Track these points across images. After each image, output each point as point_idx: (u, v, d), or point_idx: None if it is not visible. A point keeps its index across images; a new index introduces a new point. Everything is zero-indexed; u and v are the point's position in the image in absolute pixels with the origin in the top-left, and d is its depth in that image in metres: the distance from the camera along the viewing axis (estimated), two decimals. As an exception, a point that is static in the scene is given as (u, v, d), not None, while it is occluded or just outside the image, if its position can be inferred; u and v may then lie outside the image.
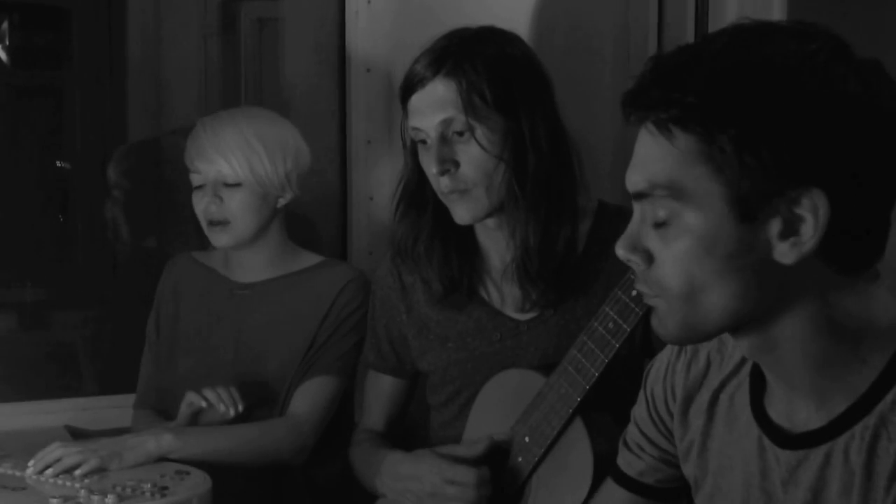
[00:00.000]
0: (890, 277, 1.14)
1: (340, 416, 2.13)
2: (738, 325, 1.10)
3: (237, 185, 2.04)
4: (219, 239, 2.08)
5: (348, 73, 2.37)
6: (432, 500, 1.75)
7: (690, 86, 1.05)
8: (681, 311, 1.09)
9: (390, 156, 2.32)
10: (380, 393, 2.03)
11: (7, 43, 2.49)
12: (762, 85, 1.03)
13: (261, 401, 2.06)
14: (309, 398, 2.05)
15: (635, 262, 1.12)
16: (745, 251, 1.06)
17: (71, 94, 2.61)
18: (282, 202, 2.10)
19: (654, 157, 1.08)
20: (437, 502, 1.75)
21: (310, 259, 2.17)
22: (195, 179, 2.07)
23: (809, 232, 1.04)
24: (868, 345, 1.09)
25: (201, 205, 2.06)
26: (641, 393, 1.39)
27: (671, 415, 1.33)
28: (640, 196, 1.10)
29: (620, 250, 1.12)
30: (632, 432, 1.42)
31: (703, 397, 1.28)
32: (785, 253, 1.05)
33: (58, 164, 2.65)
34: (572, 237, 1.81)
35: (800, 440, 1.14)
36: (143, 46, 2.58)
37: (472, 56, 1.76)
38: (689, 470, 1.32)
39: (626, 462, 1.43)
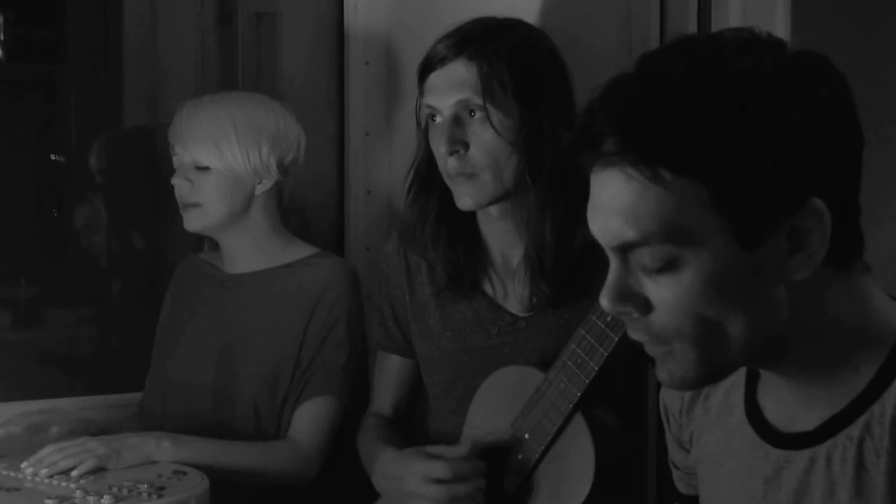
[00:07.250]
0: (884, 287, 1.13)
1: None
2: (758, 354, 1.06)
3: (206, 168, 2.02)
4: (190, 222, 2.06)
5: (347, 65, 2.35)
6: (411, 499, 1.73)
7: (670, 121, 0.98)
8: (698, 353, 1.04)
9: (388, 149, 2.31)
10: (388, 374, 2.00)
11: (1, 37, 2.48)
12: (745, 106, 0.98)
13: (237, 412, 2.03)
14: (311, 421, 2.01)
15: (628, 312, 1.04)
16: (755, 277, 1.02)
17: (66, 88, 2.60)
18: (261, 188, 2.05)
19: (639, 203, 1.00)
20: (417, 501, 1.72)
21: (301, 251, 2.11)
22: (174, 161, 2.07)
23: (818, 242, 1.02)
24: (860, 354, 1.08)
25: (176, 186, 2.06)
26: (661, 407, 1.34)
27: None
28: (626, 248, 1.03)
29: (608, 303, 1.04)
30: (671, 451, 1.37)
31: (702, 391, 1.26)
32: (797, 269, 1.02)
33: (52, 157, 2.63)
34: (586, 237, 1.79)
35: (789, 440, 1.12)
36: (140, 40, 2.56)
37: (496, 42, 1.74)
38: (691, 462, 1.30)
39: (680, 481, 1.38)
